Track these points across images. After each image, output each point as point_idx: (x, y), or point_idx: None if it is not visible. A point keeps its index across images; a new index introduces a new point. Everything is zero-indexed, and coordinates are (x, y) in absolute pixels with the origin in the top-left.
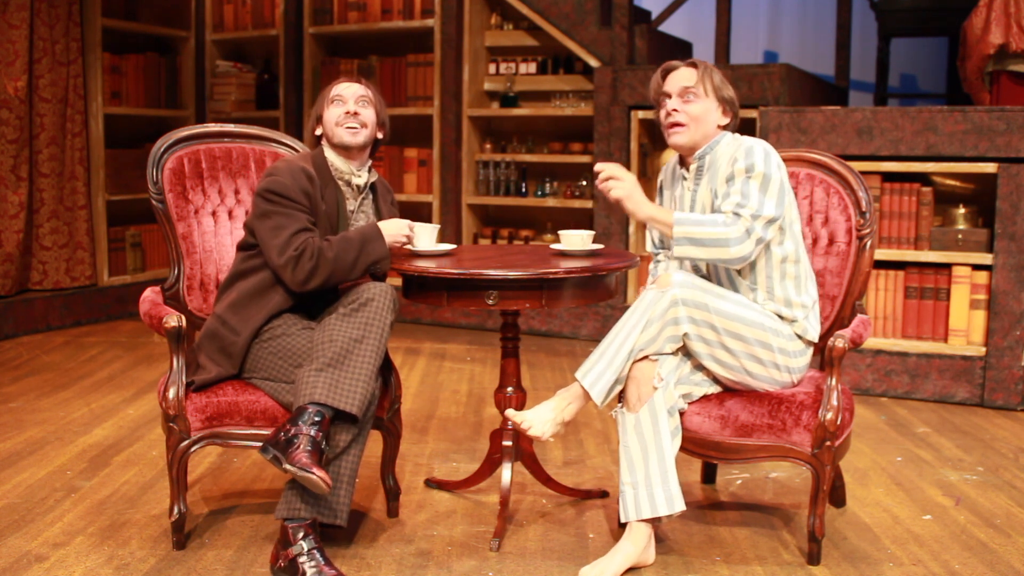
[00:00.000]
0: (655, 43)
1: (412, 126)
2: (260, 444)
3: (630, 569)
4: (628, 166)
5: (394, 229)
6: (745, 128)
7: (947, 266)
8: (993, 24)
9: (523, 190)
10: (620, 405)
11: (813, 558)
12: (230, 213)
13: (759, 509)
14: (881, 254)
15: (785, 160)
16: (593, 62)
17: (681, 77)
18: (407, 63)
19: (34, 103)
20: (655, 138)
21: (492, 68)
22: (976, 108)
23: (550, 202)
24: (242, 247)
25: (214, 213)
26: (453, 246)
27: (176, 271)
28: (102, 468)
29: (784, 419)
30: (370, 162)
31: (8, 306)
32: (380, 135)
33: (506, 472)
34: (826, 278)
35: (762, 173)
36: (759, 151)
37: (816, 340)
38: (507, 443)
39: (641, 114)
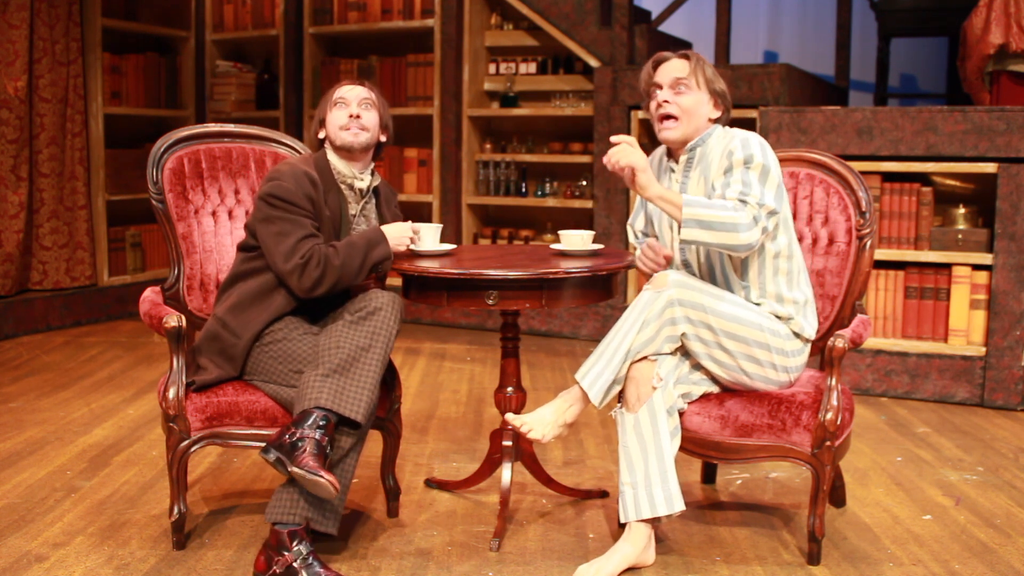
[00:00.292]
0: (655, 43)
1: (412, 126)
2: (261, 445)
3: (629, 569)
4: None
5: (398, 233)
6: (745, 128)
7: (947, 266)
8: (993, 24)
9: (523, 190)
10: (619, 405)
11: (813, 558)
12: (230, 213)
13: (759, 509)
14: (881, 254)
15: (785, 160)
16: (593, 62)
17: (673, 68)
18: (407, 63)
19: (34, 103)
20: (655, 138)
21: (492, 68)
22: (976, 108)
23: (550, 202)
24: (243, 248)
25: (214, 213)
26: (453, 246)
27: (176, 271)
28: (102, 468)
29: (784, 419)
30: (373, 165)
31: (8, 306)
32: (383, 138)
33: (506, 472)
34: (826, 278)
35: (761, 164)
36: (755, 143)
37: (813, 336)
38: (507, 443)
39: (641, 114)
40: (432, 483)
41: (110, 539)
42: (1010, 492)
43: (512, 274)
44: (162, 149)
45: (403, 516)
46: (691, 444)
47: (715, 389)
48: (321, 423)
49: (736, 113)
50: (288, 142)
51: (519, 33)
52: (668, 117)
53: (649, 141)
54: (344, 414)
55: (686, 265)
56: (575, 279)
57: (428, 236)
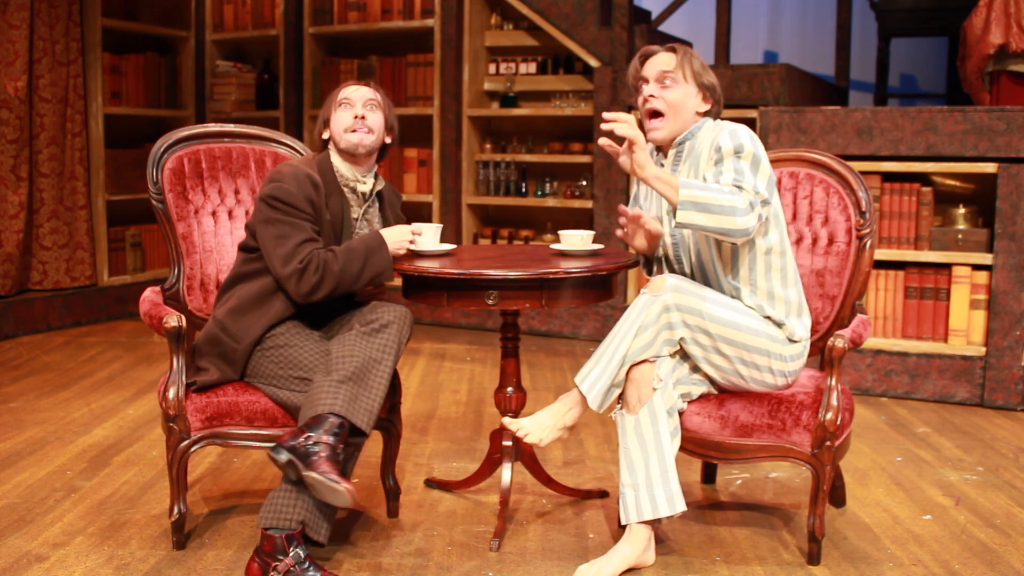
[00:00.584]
0: (655, 43)
1: (412, 126)
2: (261, 445)
3: (629, 570)
4: None
5: (398, 236)
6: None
7: (947, 266)
8: (993, 24)
9: (523, 190)
10: (620, 407)
11: (813, 558)
12: (230, 213)
13: (759, 509)
14: (881, 254)
15: (785, 160)
16: (593, 62)
17: (659, 62)
18: (407, 63)
19: (34, 103)
20: None
21: (492, 68)
22: (976, 108)
23: (550, 202)
24: (244, 248)
25: (214, 213)
26: (453, 246)
27: (176, 271)
28: (102, 468)
29: (784, 419)
30: (376, 168)
31: (8, 306)
32: (388, 140)
33: (506, 472)
34: (826, 278)
35: (752, 153)
36: (744, 133)
37: (808, 335)
38: (507, 443)
39: (638, 113)
40: (432, 483)
41: (110, 539)
42: (1010, 492)
43: (512, 274)
44: (162, 149)
45: (403, 516)
46: (691, 444)
47: (715, 390)
48: (336, 430)
49: (736, 113)
50: (288, 142)
51: (519, 33)
52: (655, 114)
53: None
54: (356, 423)
55: (677, 261)
56: (575, 279)
57: (428, 236)
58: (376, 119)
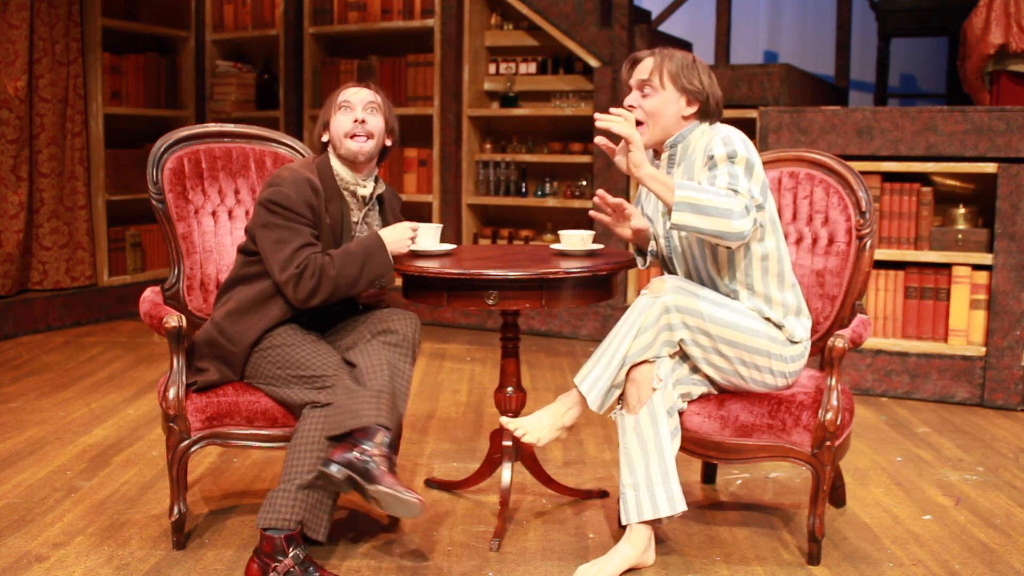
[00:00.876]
0: (655, 43)
1: (412, 126)
2: (261, 445)
3: (630, 570)
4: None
5: (397, 235)
6: (745, 128)
7: (947, 266)
8: (993, 24)
9: (523, 190)
10: (620, 407)
11: (813, 558)
12: (230, 213)
13: (759, 509)
14: (881, 254)
15: (785, 160)
16: (593, 62)
17: (640, 69)
18: (407, 63)
19: (34, 103)
20: None
21: (492, 68)
22: (976, 108)
23: (550, 202)
24: (243, 251)
25: (214, 213)
26: (453, 246)
27: (176, 271)
28: (102, 468)
29: (784, 419)
30: (376, 171)
31: (8, 306)
32: (388, 142)
33: (506, 472)
34: (826, 278)
35: (745, 158)
36: (737, 138)
37: (808, 336)
38: (507, 443)
39: None
40: (432, 483)
41: (110, 539)
42: (1010, 492)
43: (512, 274)
44: (162, 149)
45: None
46: (691, 444)
47: (715, 390)
48: (387, 440)
49: (736, 113)
50: (288, 142)
51: (519, 33)
52: (639, 122)
53: None
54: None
55: (671, 263)
56: (575, 279)
57: (428, 236)
58: (376, 122)
